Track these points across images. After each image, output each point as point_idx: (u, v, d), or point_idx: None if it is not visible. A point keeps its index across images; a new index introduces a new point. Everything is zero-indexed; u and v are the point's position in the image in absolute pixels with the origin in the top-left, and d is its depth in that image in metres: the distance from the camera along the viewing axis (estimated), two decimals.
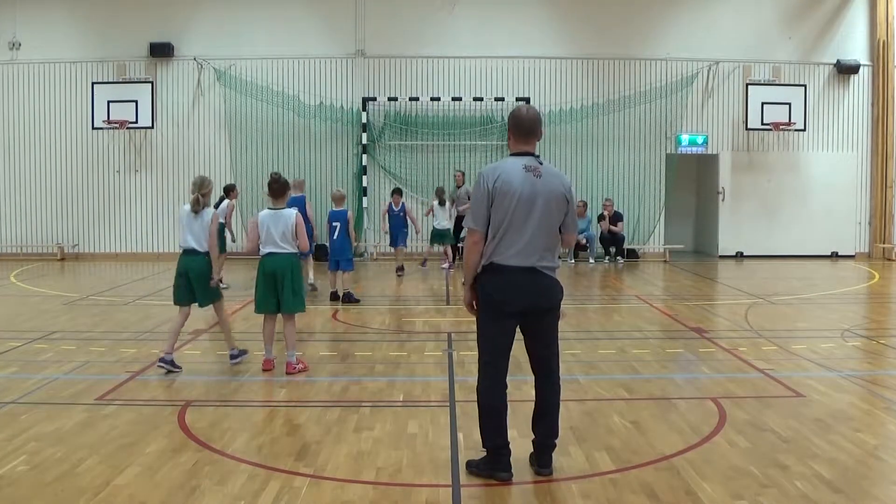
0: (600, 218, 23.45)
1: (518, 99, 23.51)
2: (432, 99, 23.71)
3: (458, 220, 23.37)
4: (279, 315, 10.09)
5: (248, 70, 24.19)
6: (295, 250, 9.92)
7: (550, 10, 24.18)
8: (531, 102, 23.41)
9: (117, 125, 23.78)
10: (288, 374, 9.73)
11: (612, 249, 23.43)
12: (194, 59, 24.21)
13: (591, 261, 22.96)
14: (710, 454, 6.83)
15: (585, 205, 23.26)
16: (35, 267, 21.48)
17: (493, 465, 6.30)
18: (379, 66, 24.18)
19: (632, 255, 23.94)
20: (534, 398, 6.59)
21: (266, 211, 10.06)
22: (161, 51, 24.10)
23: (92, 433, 7.45)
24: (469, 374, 9.67)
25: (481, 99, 23.68)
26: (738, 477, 6.30)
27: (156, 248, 24.33)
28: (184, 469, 6.52)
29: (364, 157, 23.79)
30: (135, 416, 8.00)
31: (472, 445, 6.95)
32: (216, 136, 24.44)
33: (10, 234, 24.67)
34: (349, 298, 15.31)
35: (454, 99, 23.66)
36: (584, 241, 23.08)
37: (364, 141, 23.71)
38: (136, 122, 23.87)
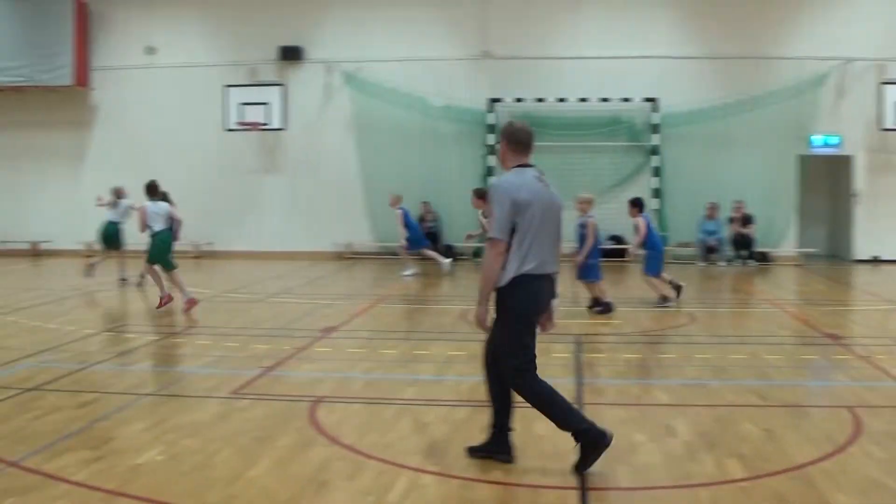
0: (731, 220, 22.98)
1: (645, 99, 23.23)
2: (559, 100, 23.58)
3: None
4: None
5: (375, 72, 24.46)
6: None
7: (678, 9, 23.81)
8: (658, 102, 23.21)
9: (249, 127, 24.34)
10: None
11: (743, 252, 22.95)
12: (323, 62, 24.60)
13: (722, 264, 22.53)
14: (845, 465, 6.60)
15: (715, 207, 22.83)
16: None
17: (591, 444, 6.31)
18: (505, 67, 24.16)
19: (763, 258, 23.39)
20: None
21: None
22: (291, 54, 24.58)
23: (226, 426, 7.63)
24: (597, 377, 9.61)
25: (608, 99, 23.44)
26: (875, 490, 6.08)
27: (287, 248, 24.77)
28: (314, 464, 6.62)
29: (490, 158, 23.80)
30: (267, 411, 8.16)
31: None
32: (344, 137, 24.79)
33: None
34: None
35: (581, 100, 23.47)
36: (713, 243, 22.67)
37: (490, 142, 23.73)
38: (268, 124, 24.39)
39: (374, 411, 8.30)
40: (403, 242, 20.13)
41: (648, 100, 23.26)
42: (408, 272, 20.12)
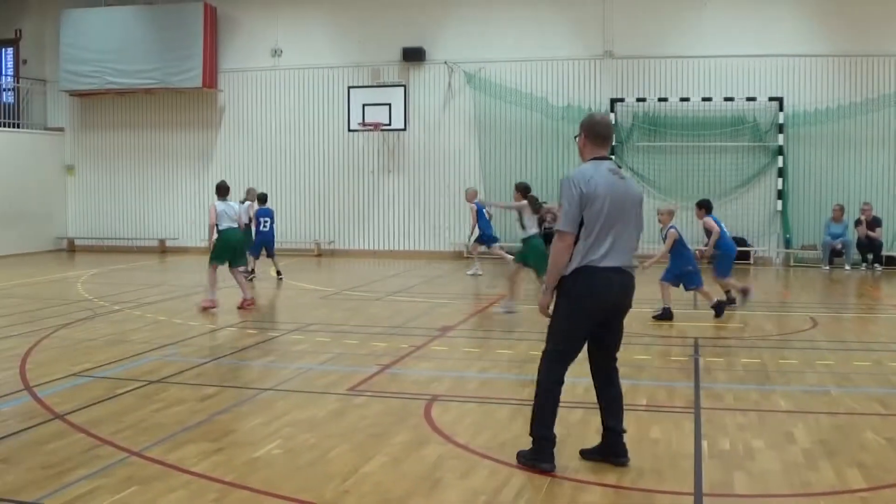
0: (857, 223, 22.29)
1: (770, 99, 22.73)
2: (681, 99, 23.23)
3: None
4: None
5: (496, 73, 24.48)
6: None
7: (803, 7, 23.14)
8: (784, 102, 22.63)
9: (372, 127, 24.61)
10: None
11: (870, 256, 22.23)
12: (445, 62, 24.74)
13: (847, 267, 21.87)
14: None
15: (842, 209, 22.19)
16: (293, 262, 22.43)
17: (539, 456, 6.42)
18: (627, 67, 23.91)
19: (891, 262, 22.61)
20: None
21: None
22: (413, 55, 24.76)
23: (343, 422, 7.74)
24: (715, 381, 9.45)
25: (732, 99, 22.98)
26: None
27: (407, 247, 24.98)
28: (428, 461, 6.67)
29: (612, 158, 23.53)
30: (383, 408, 8.25)
31: (716, 454, 6.79)
32: (466, 137, 24.88)
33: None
34: None
35: (704, 99, 23.08)
36: (839, 246, 22.06)
37: (612, 143, 23.47)
38: (390, 124, 24.62)
39: (489, 411, 8.32)
40: (473, 239, 20.36)
41: (773, 99, 22.75)
42: (470, 271, 20.28)
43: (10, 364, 10.13)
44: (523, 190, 14.44)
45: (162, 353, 10.88)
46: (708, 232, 14.47)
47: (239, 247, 15.36)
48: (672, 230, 13.70)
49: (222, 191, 15.06)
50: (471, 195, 20.21)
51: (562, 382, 6.50)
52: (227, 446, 7.01)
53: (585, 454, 6.64)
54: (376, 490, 6.04)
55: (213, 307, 14.62)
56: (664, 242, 13.78)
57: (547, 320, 6.56)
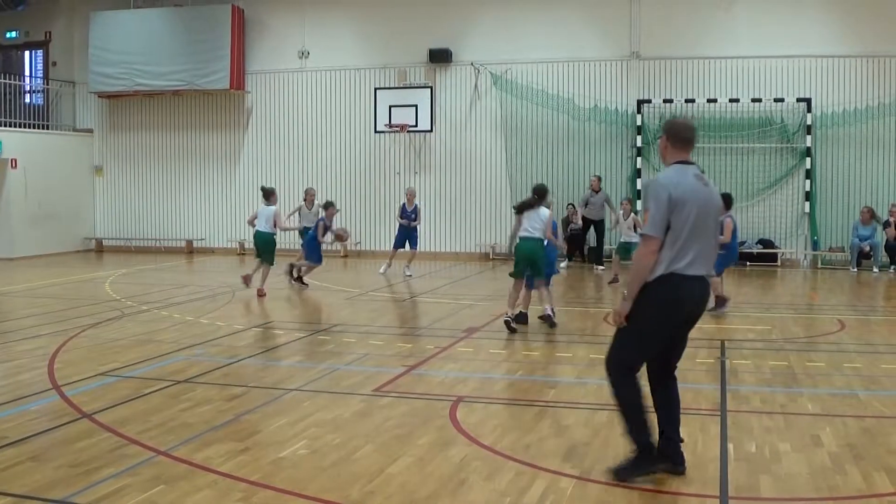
0: (886, 225, 22.12)
1: (799, 100, 22.58)
2: (709, 101, 23.12)
3: (587, 228, 22.99)
4: None
5: (523, 74, 24.45)
6: None
7: (830, 6, 22.93)
8: (812, 103, 22.47)
9: (398, 129, 24.65)
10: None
11: None
12: (471, 64, 24.74)
13: (876, 270, 21.69)
14: None
15: (871, 211, 22.01)
16: None
17: (646, 462, 6.27)
18: (654, 68, 23.82)
19: None
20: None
21: None
22: (440, 56, 24.77)
23: (368, 422, 7.76)
24: (742, 384, 9.41)
25: (759, 100, 22.84)
26: None
27: (432, 248, 24.97)
28: (453, 462, 6.67)
29: (639, 160, 23.51)
30: (409, 409, 8.26)
31: (742, 457, 6.76)
32: (492, 139, 24.86)
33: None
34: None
35: (731, 100, 22.96)
36: (867, 248, 21.89)
37: (639, 144, 23.45)
38: (416, 125, 24.65)
39: (514, 412, 8.33)
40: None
41: (801, 100, 22.60)
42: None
43: (38, 363, 10.21)
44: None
45: (189, 353, 10.95)
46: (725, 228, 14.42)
47: (261, 245, 16.71)
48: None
49: (266, 194, 16.85)
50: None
51: (638, 385, 6.36)
52: (253, 446, 7.04)
53: (640, 468, 6.40)
54: (401, 491, 6.05)
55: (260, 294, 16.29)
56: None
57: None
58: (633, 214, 18.75)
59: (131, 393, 8.74)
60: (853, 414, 8.11)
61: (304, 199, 20.50)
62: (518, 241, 12.78)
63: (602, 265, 21.81)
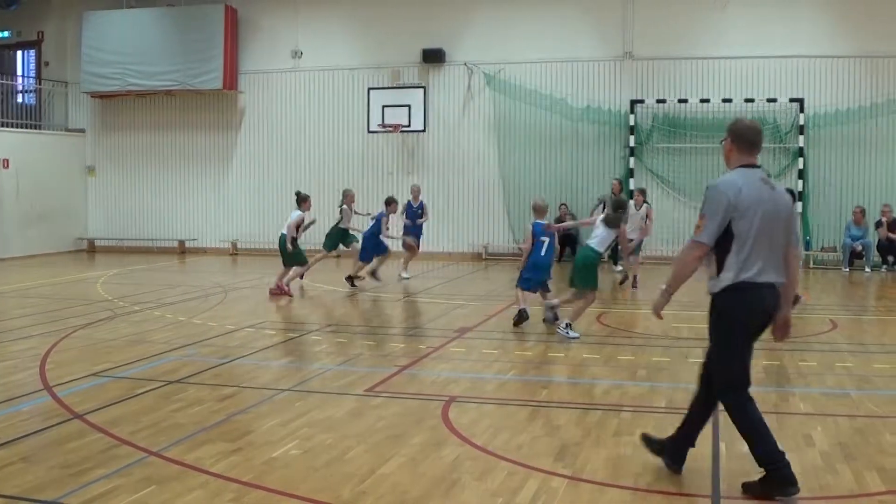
0: (878, 224, 22.16)
1: (791, 100, 22.61)
2: (702, 101, 23.15)
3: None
4: None
5: (516, 74, 24.44)
6: None
7: (824, 6, 22.96)
8: (804, 103, 22.51)
9: (391, 129, 24.65)
10: None
11: (890, 258, 22.09)
12: (465, 64, 24.73)
13: (867, 269, 21.75)
14: None
15: (863, 211, 22.05)
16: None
17: (780, 481, 5.93)
18: (647, 68, 23.83)
19: None
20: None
21: None
22: (433, 56, 24.76)
23: (360, 423, 7.75)
24: None
25: (752, 100, 22.86)
26: None
27: (425, 248, 24.84)
28: (445, 462, 6.67)
29: (631, 160, 23.53)
30: (401, 409, 8.26)
31: (733, 456, 6.75)
32: (485, 139, 24.85)
33: None
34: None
35: (724, 100, 22.98)
36: (859, 248, 21.93)
37: (632, 144, 23.46)
38: (409, 125, 24.66)
39: (507, 412, 8.32)
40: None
41: (794, 100, 22.64)
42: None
43: (30, 364, 10.19)
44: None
45: (181, 354, 10.93)
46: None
47: (281, 249, 17.08)
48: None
49: (298, 199, 17.49)
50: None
51: (753, 403, 6.08)
52: (245, 446, 7.03)
53: (675, 459, 6.43)
54: (393, 491, 6.05)
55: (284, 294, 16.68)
56: None
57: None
58: (645, 205, 18.68)
59: (123, 393, 8.73)
60: (845, 413, 8.12)
61: (346, 201, 19.13)
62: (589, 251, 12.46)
63: (618, 265, 21.25)
